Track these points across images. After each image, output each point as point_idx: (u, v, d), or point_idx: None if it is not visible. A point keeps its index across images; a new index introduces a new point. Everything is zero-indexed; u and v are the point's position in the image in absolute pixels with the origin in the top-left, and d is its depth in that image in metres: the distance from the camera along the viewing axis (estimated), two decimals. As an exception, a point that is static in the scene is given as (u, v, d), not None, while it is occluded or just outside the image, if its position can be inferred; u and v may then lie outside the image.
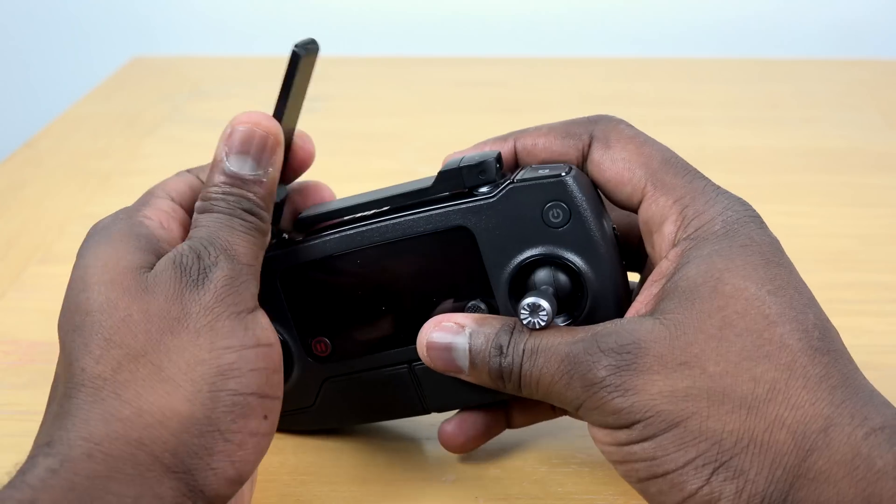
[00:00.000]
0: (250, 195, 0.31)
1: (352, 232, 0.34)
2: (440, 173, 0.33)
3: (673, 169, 0.31)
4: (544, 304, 0.30)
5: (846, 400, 0.27)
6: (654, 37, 1.03)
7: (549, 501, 0.36)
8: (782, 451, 0.27)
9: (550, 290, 0.32)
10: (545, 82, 0.85)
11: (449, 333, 0.32)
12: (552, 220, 0.32)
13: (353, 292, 0.35)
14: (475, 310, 0.33)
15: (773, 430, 0.27)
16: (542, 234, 0.32)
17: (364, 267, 0.34)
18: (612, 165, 0.32)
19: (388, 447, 0.39)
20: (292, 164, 0.34)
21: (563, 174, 0.32)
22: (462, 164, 0.33)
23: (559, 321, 0.32)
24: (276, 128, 0.32)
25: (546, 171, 0.32)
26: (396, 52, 1.00)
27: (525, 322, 0.30)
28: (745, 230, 0.30)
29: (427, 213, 0.33)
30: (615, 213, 0.35)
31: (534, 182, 0.32)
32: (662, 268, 0.31)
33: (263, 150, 0.31)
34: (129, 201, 0.34)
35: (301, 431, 0.40)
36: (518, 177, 0.32)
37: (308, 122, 0.36)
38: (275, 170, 0.32)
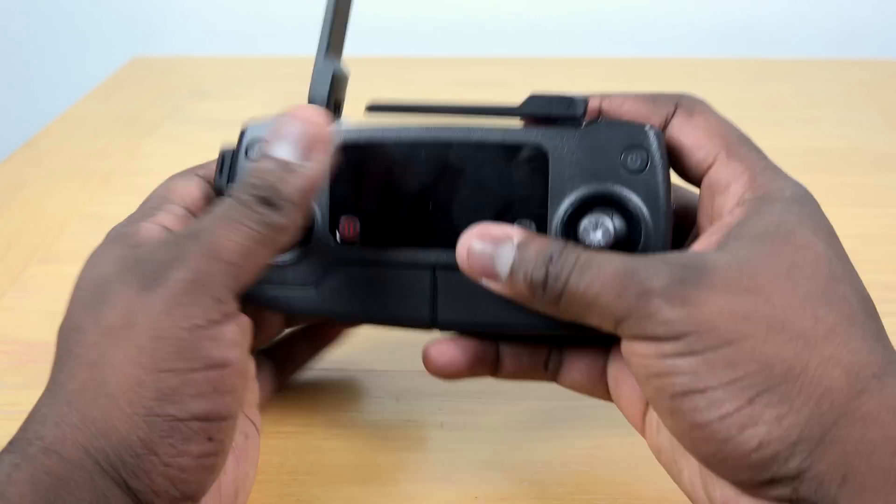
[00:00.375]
0: (279, 184, 0.29)
1: (426, 123, 0.34)
2: (530, 97, 0.33)
3: (747, 144, 0.32)
4: (608, 223, 0.31)
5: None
6: (654, 37, 1.03)
7: (549, 501, 0.36)
8: (833, 387, 0.27)
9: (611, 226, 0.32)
10: (545, 82, 0.85)
11: (494, 242, 0.31)
12: (629, 163, 0.33)
13: (405, 182, 0.34)
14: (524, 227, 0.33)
15: (828, 366, 0.27)
16: (615, 173, 0.33)
17: (426, 160, 0.34)
18: (692, 131, 0.33)
19: (388, 447, 0.39)
20: None
21: (653, 127, 0.33)
22: (552, 95, 0.33)
23: None
24: (328, 124, 0.31)
25: (634, 123, 0.33)
26: (396, 52, 1.00)
27: (585, 237, 0.31)
28: (813, 205, 0.31)
29: (507, 125, 0.34)
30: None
31: (621, 123, 0.33)
32: (725, 221, 0.31)
33: (309, 141, 0.30)
34: (129, 201, 0.34)
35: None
36: (608, 119, 0.33)
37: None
38: (317, 165, 0.30)
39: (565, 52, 1.02)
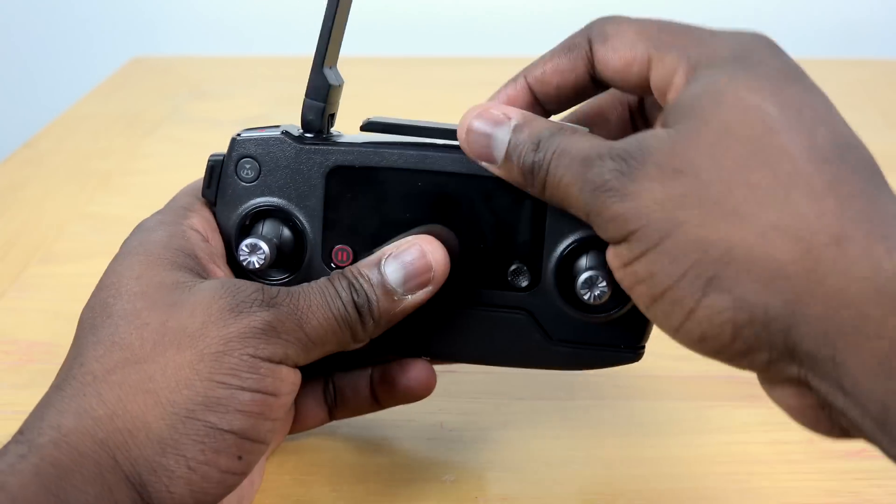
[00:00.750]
0: (376, 302, 0.30)
1: (424, 151, 0.33)
2: None
3: (671, 28, 0.30)
4: (604, 282, 0.31)
5: (860, 212, 0.24)
6: (654, 37, 1.03)
7: (549, 501, 0.36)
8: (781, 261, 0.24)
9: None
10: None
11: (492, 122, 0.30)
12: None
13: (400, 212, 0.33)
14: (520, 273, 0.33)
15: (769, 237, 0.24)
16: None
17: (422, 191, 0.33)
18: (613, 54, 0.30)
19: (388, 447, 0.39)
20: None
21: None
22: None
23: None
24: (446, 264, 0.32)
25: None
26: (396, 52, 1.00)
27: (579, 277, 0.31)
28: (757, 55, 0.28)
29: None
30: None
31: None
32: (668, 103, 0.29)
33: (422, 280, 0.31)
34: (129, 201, 0.34)
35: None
36: None
37: (308, 122, 0.36)
38: (415, 301, 0.31)
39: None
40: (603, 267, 0.31)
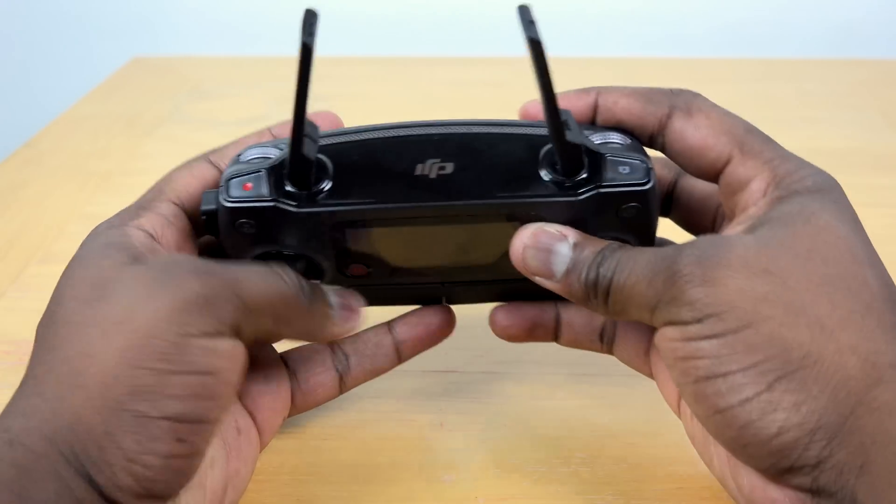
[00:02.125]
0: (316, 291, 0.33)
1: (407, 200, 0.33)
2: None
3: (758, 137, 0.32)
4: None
5: None
6: (655, 37, 1.03)
7: (549, 501, 0.36)
8: (849, 376, 0.26)
9: None
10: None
11: (552, 238, 0.32)
12: (623, 214, 0.33)
13: (402, 251, 0.34)
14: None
15: (844, 354, 0.27)
16: (612, 224, 0.33)
17: (427, 233, 0.33)
18: (695, 133, 0.32)
19: (388, 447, 0.39)
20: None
21: (648, 182, 0.32)
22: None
23: None
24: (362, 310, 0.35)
25: (631, 165, 0.32)
26: (396, 52, 1.00)
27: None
28: (836, 192, 0.30)
29: (509, 198, 0.32)
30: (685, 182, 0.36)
31: (620, 188, 0.32)
32: (750, 213, 0.31)
33: (352, 313, 0.34)
34: (130, 201, 0.34)
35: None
36: (606, 175, 0.32)
37: (308, 122, 0.36)
38: (352, 325, 0.34)
39: (565, 52, 1.02)
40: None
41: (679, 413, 0.35)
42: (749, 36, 1.03)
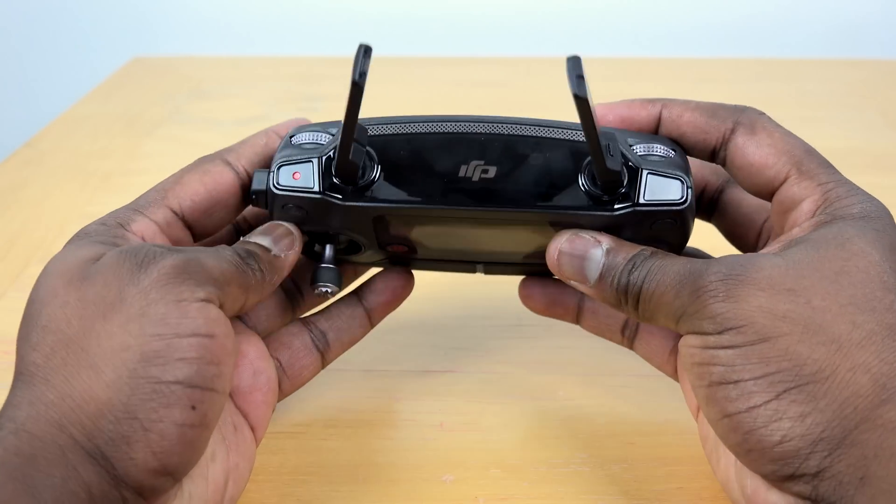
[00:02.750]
0: (261, 254, 0.33)
1: (451, 203, 0.33)
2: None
3: (816, 159, 0.33)
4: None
5: None
6: (655, 37, 1.03)
7: (549, 501, 0.36)
8: (859, 393, 0.27)
9: None
10: (545, 82, 0.85)
11: (586, 244, 0.33)
12: (658, 227, 0.33)
13: (440, 243, 0.36)
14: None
15: (857, 372, 0.28)
16: (646, 234, 0.33)
17: (456, 229, 0.35)
18: (756, 150, 0.33)
19: (388, 447, 0.39)
20: None
21: (685, 201, 0.32)
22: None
23: None
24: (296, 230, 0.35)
25: (670, 181, 0.33)
26: (396, 52, 1.00)
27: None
28: (882, 221, 0.31)
29: (543, 209, 0.33)
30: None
31: (657, 207, 0.33)
32: (793, 234, 0.32)
33: (283, 241, 0.34)
34: (129, 201, 0.34)
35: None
36: (643, 192, 0.32)
37: (308, 122, 0.36)
38: (292, 255, 0.34)
39: (565, 52, 1.02)
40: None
41: (696, 415, 0.36)
42: (749, 36, 1.03)
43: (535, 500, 0.36)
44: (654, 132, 0.35)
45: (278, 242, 0.34)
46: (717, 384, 0.29)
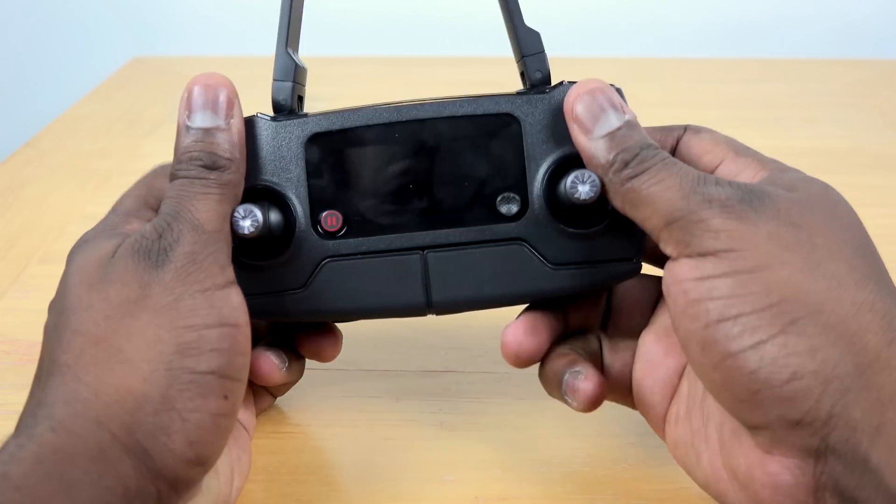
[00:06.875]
0: (216, 147, 0.32)
1: (397, 105, 0.34)
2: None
3: (754, 151, 0.34)
4: (595, 178, 0.32)
5: None
6: (655, 37, 1.03)
7: (549, 501, 0.36)
8: (866, 329, 0.26)
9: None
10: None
11: (612, 105, 0.32)
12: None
13: (382, 167, 0.34)
14: (507, 202, 0.34)
15: (861, 309, 0.27)
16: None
17: (400, 142, 0.34)
18: (699, 143, 0.34)
19: (389, 446, 0.39)
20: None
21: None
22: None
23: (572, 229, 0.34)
24: (227, 81, 0.33)
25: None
26: (396, 52, 1.00)
27: (572, 192, 0.32)
28: (833, 192, 0.31)
29: (476, 98, 0.34)
30: None
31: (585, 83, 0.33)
32: (742, 176, 0.32)
33: (221, 102, 0.32)
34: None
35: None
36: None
37: (308, 122, 0.36)
38: (237, 120, 0.33)
39: (565, 52, 1.02)
40: (590, 172, 0.32)
41: (663, 424, 0.34)
42: (748, 36, 1.03)
43: (535, 500, 0.36)
44: None
45: (220, 108, 0.32)
46: (716, 322, 0.27)
